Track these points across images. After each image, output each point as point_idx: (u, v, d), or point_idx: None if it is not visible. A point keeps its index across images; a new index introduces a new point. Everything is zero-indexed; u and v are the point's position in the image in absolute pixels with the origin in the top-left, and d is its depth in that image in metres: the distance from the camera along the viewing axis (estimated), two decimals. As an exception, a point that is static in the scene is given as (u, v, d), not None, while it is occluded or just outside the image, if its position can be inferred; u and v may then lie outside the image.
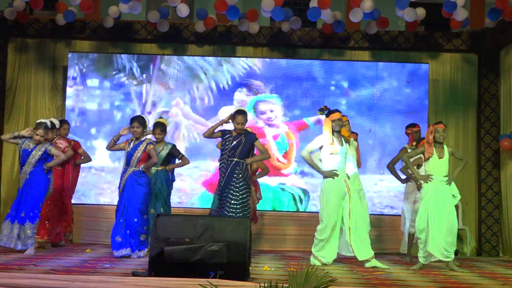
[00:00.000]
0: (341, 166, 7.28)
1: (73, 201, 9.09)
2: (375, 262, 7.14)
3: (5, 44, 10.26)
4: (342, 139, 7.36)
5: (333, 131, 7.27)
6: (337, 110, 7.38)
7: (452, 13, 9.26)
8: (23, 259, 6.67)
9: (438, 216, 7.04)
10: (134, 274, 5.57)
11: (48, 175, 7.63)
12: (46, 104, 10.26)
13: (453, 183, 7.25)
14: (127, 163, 7.54)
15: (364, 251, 7.21)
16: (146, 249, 7.36)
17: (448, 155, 7.19)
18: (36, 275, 5.23)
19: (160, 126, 8.13)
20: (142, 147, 7.52)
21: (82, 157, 8.81)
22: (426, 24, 10.72)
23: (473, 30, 10.20)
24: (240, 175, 7.49)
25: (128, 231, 7.37)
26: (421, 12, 9.53)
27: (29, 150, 7.55)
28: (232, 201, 7.44)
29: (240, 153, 7.52)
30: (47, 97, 10.27)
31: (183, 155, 8.32)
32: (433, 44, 10.24)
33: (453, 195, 7.20)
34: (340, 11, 10.32)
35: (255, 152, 7.80)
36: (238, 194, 7.47)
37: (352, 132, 8.16)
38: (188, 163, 8.41)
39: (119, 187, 7.62)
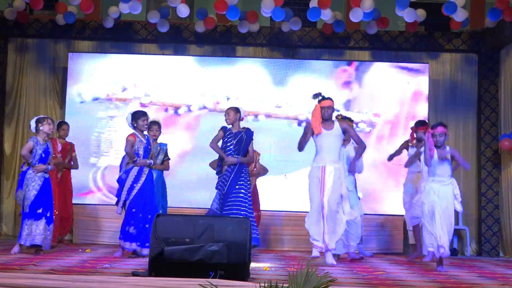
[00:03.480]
0: (328, 150, 7.19)
1: (73, 201, 9.09)
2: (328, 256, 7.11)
3: (5, 44, 10.28)
4: (334, 122, 7.26)
5: (322, 119, 7.23)
6: (329, 98, 7.28)
7: (452, 14, 9.27)
8: (23, 259, 6.67)
9: (435, 210, 6.97)
10: (134, 274, 5.57)
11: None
12: (47, 104, 10.28)
13: (455, 183, 7.17)
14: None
15: (331, 241, 7.14)
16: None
17: (449, 156, 7.12)
18: (36, 275, 5.22)
19: (157, 124, 8.18)
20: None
21: (72, 163, 8.81)
22: (426, 24, 10.72)
23: (473, 30, 10.21)
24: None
25: (147, 225, 7.35)
26: (421, 12, 9.53)
27: (49, 149, 7.53)
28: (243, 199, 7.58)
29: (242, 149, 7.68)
30: (47, 97, 10.29)
31: (169, 159, 8.39)
32: (433, 44, 10.24)
33: (456, 194, 7.10)
34: (340, 11, 10.34)
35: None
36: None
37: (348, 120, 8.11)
38: (168, 169, 8.45)
39: (136, 183, 7.48)
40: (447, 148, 7.14)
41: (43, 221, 7.38)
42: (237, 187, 7.57)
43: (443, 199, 7.01)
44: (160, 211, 7.96)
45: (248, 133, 7.77)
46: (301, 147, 7.31)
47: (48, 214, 7.44)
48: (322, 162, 7.20)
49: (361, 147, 7.47)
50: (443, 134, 7.07)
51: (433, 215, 7.00)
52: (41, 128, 7.46)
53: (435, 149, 7.07)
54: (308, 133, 7.25)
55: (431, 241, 7.04)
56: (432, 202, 7.00)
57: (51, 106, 10.27)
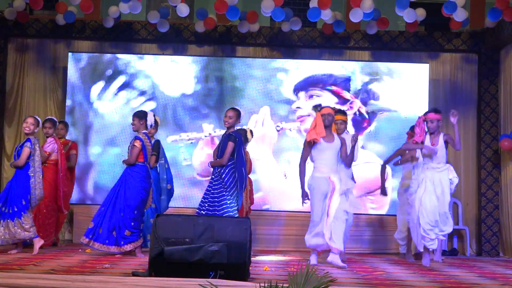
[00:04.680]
0: (328, 162, 7.19)
1: (73, 201, 9.09)
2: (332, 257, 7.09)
3: (5, 44, 10.27)
4: (334, 135, 7.29)
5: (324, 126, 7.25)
6: (329, 107, 7.35)
7: (452, 14, 9.28)
8: (23, 259, 6.67)
9: (427, 197, 6.95)
10: (134, 274, 5.57)
11: (29, 173, 7.57)
12: (47, 104, 10.28)
13: (451, 168, 7.18)
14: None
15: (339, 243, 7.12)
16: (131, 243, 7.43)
17: (443, 142, 7.12)
18: (36, 275, 5.23)
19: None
20: (133, 141, 7.58)
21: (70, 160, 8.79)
22: (426, 24, 10.73)
23: (473, 30, 10.21)
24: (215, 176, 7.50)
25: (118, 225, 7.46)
26: (421, 12, 9.54)
27: (18, 146, 7.68)
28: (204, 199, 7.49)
29: (219, 153, 7.51)
30: (47, 97, 10.29)
31: (154, 154, 8.12)
32: (433, 44, 10.25)
33: (450, 179, 7.08)
34: (340, 11, 10.34)
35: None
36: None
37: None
38: (153, 164, 8.15)
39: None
40: (441, 134, 7.15)
41: None
42: (208, 187, 7.50)
43: (438, 186, 7.02)
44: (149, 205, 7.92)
45: (227, 136, 7.49)
46: (303, 165, 7.27)
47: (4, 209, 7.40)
48: (326, 173, 7.18)
49: (351, 158, 7.38)
50: (435, 120, 7.09)
51: (421, 215, 6.99)
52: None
53: (428, 136, 7.09)
54: (308, 145, 7.24)
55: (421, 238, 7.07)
56: (424, 196, 6.99)
57: (51, 106, 10.27)
